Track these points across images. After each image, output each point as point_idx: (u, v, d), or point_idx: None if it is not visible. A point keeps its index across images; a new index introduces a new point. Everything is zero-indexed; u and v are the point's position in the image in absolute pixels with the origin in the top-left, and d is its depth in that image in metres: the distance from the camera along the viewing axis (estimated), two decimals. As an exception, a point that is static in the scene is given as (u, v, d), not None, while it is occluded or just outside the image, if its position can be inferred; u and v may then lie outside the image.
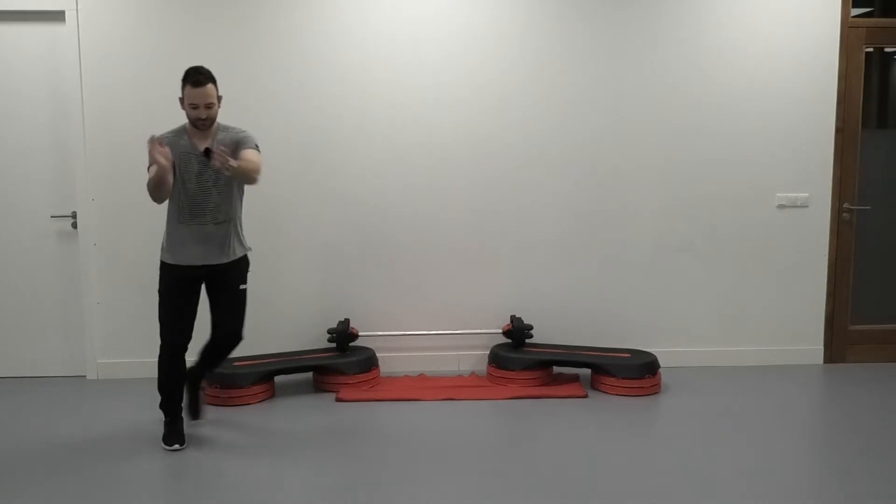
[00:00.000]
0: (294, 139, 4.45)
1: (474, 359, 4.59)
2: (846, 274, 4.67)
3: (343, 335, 4.24)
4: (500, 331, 4.42)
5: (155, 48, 4.36)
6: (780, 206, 4.57)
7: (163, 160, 3.02)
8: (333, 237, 4.51)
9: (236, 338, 3.50)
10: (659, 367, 4.16)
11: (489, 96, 4.44)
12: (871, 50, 4.60)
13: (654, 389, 4.10)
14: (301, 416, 3.79)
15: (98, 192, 4.43)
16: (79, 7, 4.30)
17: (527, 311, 4.52)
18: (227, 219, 3.36)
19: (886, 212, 4.71)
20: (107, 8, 4.32)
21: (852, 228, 4.65)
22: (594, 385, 4.19)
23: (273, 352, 4.40)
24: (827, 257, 4.62)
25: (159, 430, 3.46)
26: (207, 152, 3.12)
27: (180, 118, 4.47)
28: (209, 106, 3.20)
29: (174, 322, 3.38)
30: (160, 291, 3.41)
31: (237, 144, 3.26)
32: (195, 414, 3.60)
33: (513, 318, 4.39)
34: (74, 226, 4.46)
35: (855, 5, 4.52)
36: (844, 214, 4.63)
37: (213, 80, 3.22)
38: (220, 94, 3.27)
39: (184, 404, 3.52)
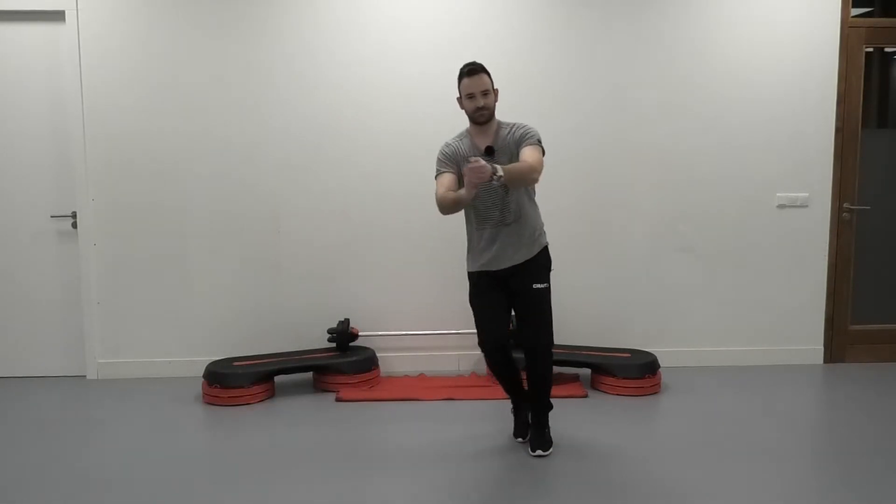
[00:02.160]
0: (295, 137, 4.45)
1: (474, 359, 4.59)
2: (846, 274, 4.67)
3: (343, 335, 4.24)
4: (500, 331, 4.42)
5: (155, 48, 4.36)
6: (780, 206, 4.57)
7: (474, 190, 2.90)
8: (333, 237, 4.51)
9: (542, 350, 3.23)
10: (659, 367, 4.16)
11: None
12: (871, 50, 4.60)
13: (654, 389, 4.10)
14: (301, 415, 3.79)
15: (98, 192, 4.43)
16: (79, 7, 4.30)
17: (527, 311, 4.52)
18: (516, 218, 3.16)
19: (886, 212, 4.71)
20: (107, 8, 4.33)
21: (852, 228, 4.65)
22: (594, 385, 4.19)
23: (273, 352, 4.41)
24: (827, 257, 4.62)
25: (159, 430, 3.46)
26: (489, 150, 3.05)
27: (181, 118, 4.51)
28: (485, 93, 3.09)
29: (482, 323, 3.25)
30: (471, 302, 3.30)
31: (517, 142, 3.13)
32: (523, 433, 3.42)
33: (513, 318, 4.38)
34: (74, 226, 4.47)
35: (855, 5, 4.52)
36: (844, 214, 4.63)
37: (487, 72, 3.13)
38: (496, 87, 3.16)
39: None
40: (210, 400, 3.98)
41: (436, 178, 3.20)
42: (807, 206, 4.58)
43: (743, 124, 4.52)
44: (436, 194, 3.14)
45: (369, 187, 4.51)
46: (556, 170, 4.51)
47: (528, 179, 3.04)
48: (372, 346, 4.44)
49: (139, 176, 4.45)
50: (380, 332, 4.55)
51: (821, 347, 4.68)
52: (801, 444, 3.38)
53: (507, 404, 3.88)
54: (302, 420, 3.72)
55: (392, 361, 4.53)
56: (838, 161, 4.58)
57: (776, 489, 2.87)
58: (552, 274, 3.29)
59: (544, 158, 3.13)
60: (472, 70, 3.13)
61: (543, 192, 4.64)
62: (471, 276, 3.30)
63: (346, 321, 4.32)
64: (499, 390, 4.10)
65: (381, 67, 4.42)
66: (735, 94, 4.50)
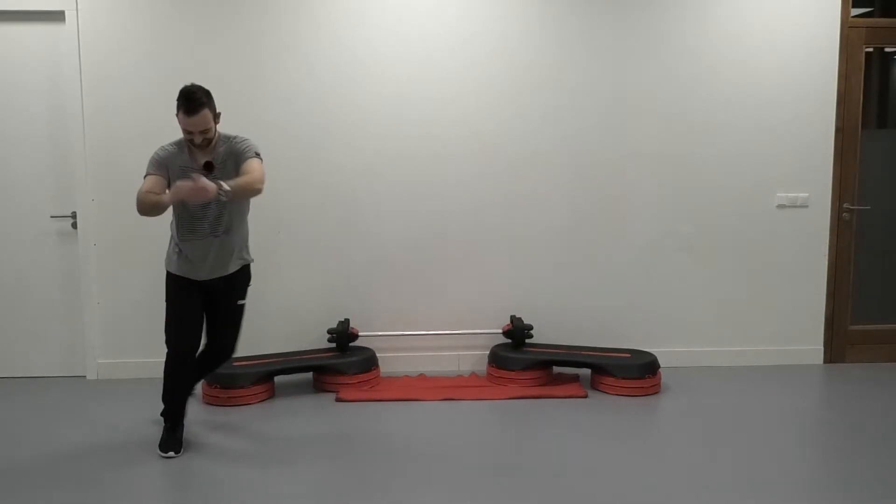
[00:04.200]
0: (294, 138, 4.45)
1: (474, 359, 4.59)
2: (846, 274, 4.67)
3: (343, 335, 4.24)
4: (500, 331, 4.42)
5: (155, 48, 4.36)
6: (780, 206, 4.57)
7: (176, 201, 3.01)
8: (334, 237, 4.51)
9: (228, 352, 3.46)
10: (659, 367, 4.16)
11: (490, 98, 4.44)
12: (871, 50, 4.60)
13: (654, 389, 4.10)
14: (301, 416, 3.79)
15: (98, 192, 4.43)
16: (79, 7, 4.30)
17: (527, 311, 4.52)
18: (226, 231, 3.25)
19: (886, 212, 4.71)
20: (107, 8, 4.32)
21: (852, 228, 4.65)
22: (594, 385, 4.19)
23: (273, 352, 4.41)
24: (827, 257, 4.62)
25: (159, 431, 3.46)
26: (209, 166, 3.07)
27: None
28: (205, 132, 3.09)
29: (180, 329, 3.31)
30: (167, 299, 3.37)
31: (237, 157, 3.18)
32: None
33: (513, 318, 4.39)
34: (74, 226, 4.47)
35: (855, 5, 4.52)
36: (844, 214, 4.63)
37: (208, 103, 3.06)
38: (217, 111, 3.15)
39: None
40: (210, 400, 3.98)
41: (144, 177, 3.20)
42: (807, 206, 4.58)
43: (743, 125, 4.52)
44: (138, 192, 3.14)
45: (369, 187, 4.51)
46: (557, 171, 4.52)
47: (252, 192, 3.10)
48: (372, 346, 4.44)
49: (139, 176, 4.39)
50: (380, 332, 4.54)
51: (821, 347, 4.68)
52: (800, 444, 3.38)
53: (507, 404, 3.89)
54: (302, 420, 3.72)
55: (392, 361, 4.53)
56: (838, 161, 4.58)
57: (776, 489, 2.87)
58: None
59: (264, 168, 3.18)
60: (189, 110, 3.02)
61: (544, 192, 4.67)
62: (171, 276, 3.34)
63: (346, 321, 4.32)
64: (499, 391, 4.12)
65: (381, 69, 4.41)
66: (735, 94, 4.50)
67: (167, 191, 3.11)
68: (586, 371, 4.28)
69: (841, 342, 4.70)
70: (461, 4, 4.40)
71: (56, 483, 3.00)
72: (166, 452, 3.27)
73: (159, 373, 4.47)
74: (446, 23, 4.40)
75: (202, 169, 3.09)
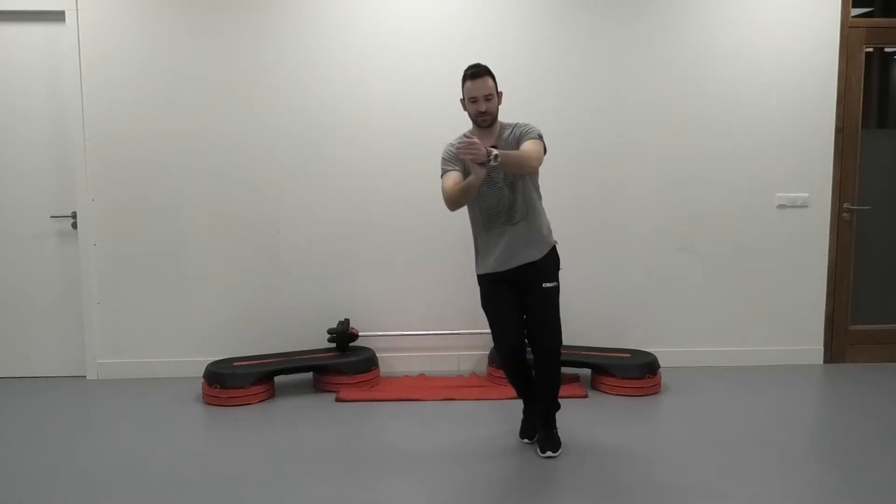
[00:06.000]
0: (294, 137, 4.45)
1: (474, 359, 4.59)
2: (846, 274, 4.67)
3: (343, 335, 4.24)
4: (501, 331, 4.42)
5: (155, 48, 4.36)
6: (780, 206, 4.58)
7: (481, 171, 2.86)
8: (334, 237, 4.51)
9: (551, 350, 3.21)
10: (659, 367, 4.16)
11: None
12: (871, 50, 4.60)
13: (654, 389, 4.10)
14: (301, 416, 3.79)
15: (98, 192, 4.43)
16: (79, 7, 4.30)
17: (527, 311, 4.52)
18: (524, 217, 3.14)
19: (886, 212, 4.71)
20: (107, 8, 4.32)
21: (852, 228, 4.65)
22: (594, 385, 4.19)
23: (273, 352, 4.41)
24: (827, 257, 4.62)
25: (159, 430, 3.46)
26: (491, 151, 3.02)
27: (181, 118, 4.51)
28: (488, 98, 3.06)
29: (498, 328, 3.19)
30: (483, 305, 3.26)
31: (519, 138, 3.11)
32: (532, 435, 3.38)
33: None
34: (74, 226, 4.47)
35: (855, 5, 4.52)
36: (844, 214, 4.63)
37: (491, 74, 3.10)
38: (500, 89, 3.14)
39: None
40: (210, 400, 3.98)
41: (441, 177, 3.17)
42: (807, 207, 4.58)
43: (743, 125, 4.52)
44: (443, 191, 3.11)
45: (369, 187, 4.51)
46: (557, 170, 4.51)
47: (525, 166, 3.01)
48: (372, 346, 4.44)
49: (139, 176, 4.45)
50: (380, 332, 4.54)
51: (821, 347, 4.68)
52: (801, 444, 3.38)
53: (507, 404, 3.89)
54: (302, 420, 3.72)
55: (392, 361, 4.53)
56: (838, 161, 4.58)
57: (776, 489, 2.87)
58: (560, 273, 3.26)
59: (545, 154, 3.12)
60: (476, 73, 3.09)
61: (544, 192, 4.64)
62: (481, 279, 3.28)
63: (346, 321, 4.32)
64: (499, 390, 4.12)
65: (382, 67, 4.42)
66: (735, 94, 4.50)
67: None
68: (586, 371, 4.28)
69: (841, 342, 4.70)
70: (463, 6, 4.40)
71: (56, 483, 3.00)
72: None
73: (159, 373, 4.51)
74: (448, 24, 4.41)
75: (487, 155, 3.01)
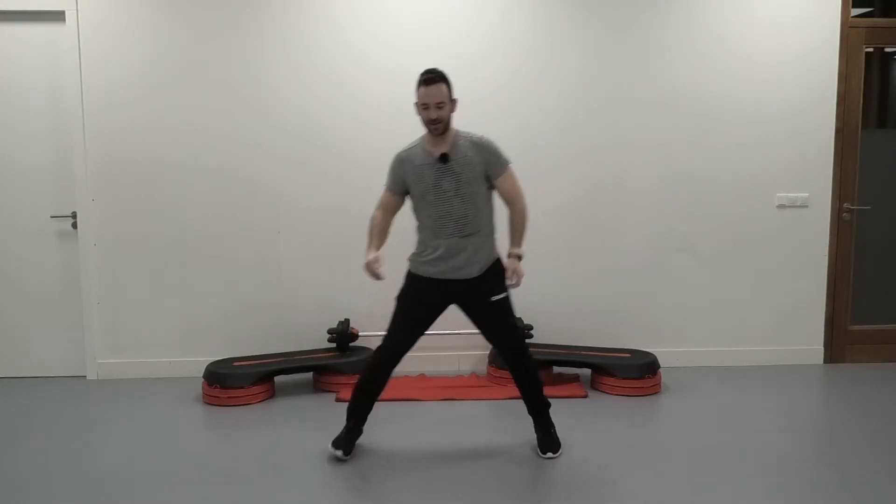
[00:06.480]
0: (294, 137, 4.45)
1: (474, 359, 4.59)
2: (846, 274, 4.67)
3: (343, 335, 4.24)
4: (501, 331, 4.41)
5: (155, 48, 4.36)
6: (780, 206, 4.58)
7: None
8: (334, 237, 4.51)
9: (519, 350, 3.21)
10: (659, 367, 4.16)
11: (491, 98, 4.43)
12: (871, 50, 4.60)
13: (654, 389, 4.10)
14: (301, 416, 3.79)
15: (98, 192, 4.43)
16: (79, 7, 4.30)
17: (527, 311, 4.51)
18: (475, 231, 3.07)
19: (886, 212, 4.71)
20: (107, 8, 4.32)
21: (852, 228, 4.65)
22: (594, 385, 4.19)
23: (273, 352, 4.41)
24: (827, 257, 4.62)
25: (159, 430, 3.46)
26: (444, 157, 3.00)
27: (181, 117, 4.51)
28: (440, 105, 2.99)
29: (399, 328, 3.21)
30: (398, 297, 3.23)
31: (486, 158, 3.07)
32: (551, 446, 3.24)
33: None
34: (74, 226, 4.47)
35: (855, 5, 4.52)
36: (844, 214, 4.63)
37: (447, 81, 3.03)
38: (454, 96, 3.07)
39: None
40: (210, 400, 3.98)
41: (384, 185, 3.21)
42: (807, 207, 4.58)
43: (743, 125, 4.52)
44: (377, 202, 3.23)
45: (370, 187, 4.49)
46: (557, 170, 4.52)
47: (526, 218, 3.12)
48: (372, 347, 4.42)
49: (139, 176, 4.45)
50: (380, 333, 4.50)
51: (821, 347, 4.68)
52: (801, 444, 3.38)
53: (508, 404, 3.89)
54: (302, 420, 3.72)
55: (392, 361, 4.53)
56: (838, 161, 4.58)
57: (776, 489, 2.87)
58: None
59: (515, 172, 3.14)
60: (430, 79, 3.01)
61: (544, 192, 4.66)
62: (412, 276, 3.21)
63: (346, 321, 4.32)
64: (499, 391, 4.12)
65: (382, 67, 4.42)
66: (735, 94, 4.50)
67: (402, 200, 3.24)
68: (586, 371, 4.28)
69: (841, 342, 4.71)
70: (463, 5, 4.40)
71: (56, 483, 3.00)
72: (336, 449, 3.18)
73: (159, 373, 4.51)
74: (448, 23, 4.40)
75: (438, 160, 3.02)
